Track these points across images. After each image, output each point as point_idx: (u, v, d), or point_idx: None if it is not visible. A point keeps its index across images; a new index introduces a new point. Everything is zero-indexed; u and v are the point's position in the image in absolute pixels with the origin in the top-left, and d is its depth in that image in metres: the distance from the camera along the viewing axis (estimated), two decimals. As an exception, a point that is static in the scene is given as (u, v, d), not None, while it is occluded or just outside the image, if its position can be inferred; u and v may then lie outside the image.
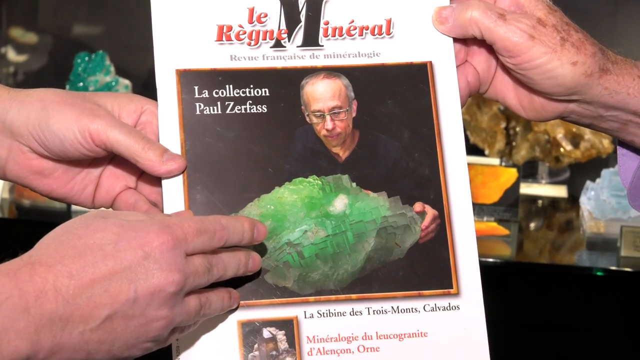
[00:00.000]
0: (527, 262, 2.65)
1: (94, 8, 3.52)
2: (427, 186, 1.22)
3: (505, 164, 2.89)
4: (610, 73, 1.24)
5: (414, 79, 1.25)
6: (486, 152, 2.95)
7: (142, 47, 3.73)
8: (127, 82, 3.23)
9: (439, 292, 1.19)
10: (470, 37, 1.26)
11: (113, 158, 1.27)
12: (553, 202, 2.92)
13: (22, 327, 0.99)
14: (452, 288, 1.20)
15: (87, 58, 3.18)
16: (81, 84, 3.17)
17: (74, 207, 2.88)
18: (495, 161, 2.91)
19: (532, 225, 2.82)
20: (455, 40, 1.26)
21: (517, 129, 2.94)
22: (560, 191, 3.01)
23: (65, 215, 2.87)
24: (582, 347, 2.66)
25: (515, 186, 2.77)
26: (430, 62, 1.25)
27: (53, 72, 3.48)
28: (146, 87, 3.25)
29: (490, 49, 1.28)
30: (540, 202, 2.91)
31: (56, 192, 1.26)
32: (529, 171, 3.00)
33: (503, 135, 2.94)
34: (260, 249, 1.19)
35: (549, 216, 2.86)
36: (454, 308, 1.19)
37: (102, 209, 1.09)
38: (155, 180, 1.24)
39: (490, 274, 2.65)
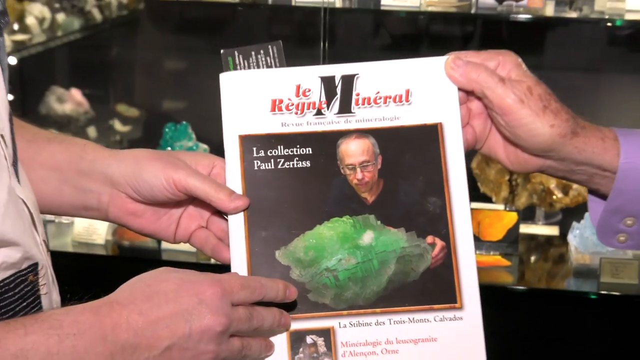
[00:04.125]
0: (526, 287, 2.64)
1: (179, 88, 3.53)
2: (437, 223, 1.20)
3: (509, 208, 2.87)
4: (580, 135, 1.23)
5: (428, 137, 1.23)
6: (493, 199, 2.94)
7: (217, 118, 3.76)
8: (205, 146, 3.23)
9: (446, 306, 1.19)
10: (469, 90, 1.24)
11: (190, 203, 1.27)
12: (548, 239, 2.89)
13: (100, 351, 1.00)
14: (456, 303, 1.19)
15: (173, 127, 3.20)
16: (169, 148, 3.19)
17: (163, 246, 2.87)
18: (501, 207, 2.89)
19: (530, 258, 2.79)
20: (461, 105, 1.24)
21: (518, 180, 2.92)
22: (553, 230, 2.98)
23: (156, 252, 2.87)
24: (569, 355, 2.64)
25: (516, 226, 2.75)
26: (441, 124, 1.23)
27: (148, 139, 3.48)
28: (219, 150, 3.26)
29: (486, 114, 1.26)
30: (537, 239, 2.88)
31: (146, 230, 1.27)
32: (528, 214, 2.97)
33: (507, 185, 2.92)
34: (304, 277, 1.18)
35: (544, 250, 2.83)
36: (457, 319, 1.19)
37: (168, 267, 1.11)
38: (222, 221, 1.25)
39: (496, 297, 2.61)
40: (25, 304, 1.06)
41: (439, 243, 1.20)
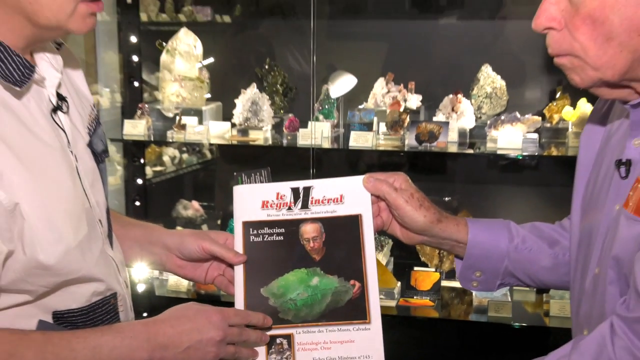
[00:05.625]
0: (445, 318, 2.60)
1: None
2: (357, 272, 1.21)
3: (438, 270, 2.82)
4: (443, 222, 1.27)
5: (352, 223, 1.23)
6: (429, 265, 2.88)
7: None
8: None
9: (360, 322, 1.19)
10: (377, 195, 1.24)
11: (214, 260, 1.28)
12: (464, 290, 2.80)
13: (145, 347, 1.03)
14: (367, 320, 1.19)
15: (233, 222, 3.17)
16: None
17: (221, 292, 2.71)
18: (432, 269, 2.84)
19: (449, 301, 2.75)
20: (373, 204, 1.25)
21: (444, 252, 2.87)
22: (466, 284, 2.92)
23: (216, 296, 2.82)
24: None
25: (439, 281, 2.72)
26: (361, 215, 1.24)
27: (222, 228, 3.47)
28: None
29: (389, 210, 1.27)
30: (457, 290, 2.81)
31: (188, 276, 1.30)
32: (452, 274, 2.88)
33: (437, 256, 2.88)
34: (277, 304, 1.19)
35: (461, 297, 2.77)
36: (367, 329, 1.19)
37: (193, 302, 1.12)
38: (232, 271, 1.24)
39: (424, 325, 2.60)
40: (109, 316, 1.10)
41: (357, 284, 1.21)
